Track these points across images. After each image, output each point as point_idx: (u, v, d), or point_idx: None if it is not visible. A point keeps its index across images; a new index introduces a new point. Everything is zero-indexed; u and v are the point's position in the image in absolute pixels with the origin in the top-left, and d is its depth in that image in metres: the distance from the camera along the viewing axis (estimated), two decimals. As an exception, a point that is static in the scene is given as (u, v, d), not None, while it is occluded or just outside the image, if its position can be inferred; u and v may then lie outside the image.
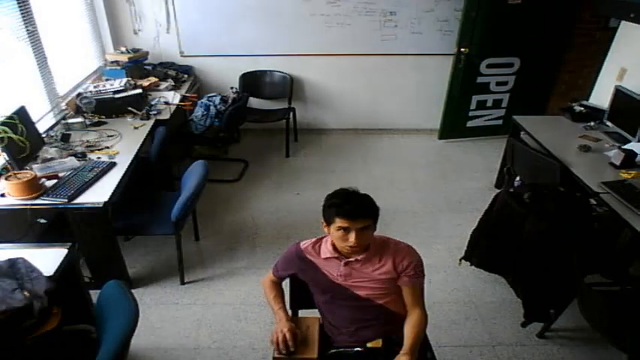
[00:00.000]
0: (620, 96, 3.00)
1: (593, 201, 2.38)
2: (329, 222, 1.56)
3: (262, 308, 2.49)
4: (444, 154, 4.32)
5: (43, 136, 2.72)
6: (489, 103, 4.43)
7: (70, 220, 2.22)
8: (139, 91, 3.30)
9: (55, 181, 2.31)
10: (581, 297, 2.04)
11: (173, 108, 3.35)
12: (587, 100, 3.56)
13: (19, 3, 2.77)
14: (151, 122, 3.10)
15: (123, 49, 3.84)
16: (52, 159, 2.54)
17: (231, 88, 3.80)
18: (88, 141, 2.79)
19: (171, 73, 3.98)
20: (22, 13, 2.80)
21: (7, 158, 2.30)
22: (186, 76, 4.05)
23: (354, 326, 1.61)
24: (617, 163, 2.60)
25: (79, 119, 3.01)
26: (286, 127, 4.12)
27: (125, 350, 1.37)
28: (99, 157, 2.59)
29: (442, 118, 4.45)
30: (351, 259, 1.60)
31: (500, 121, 4.52)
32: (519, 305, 2.37)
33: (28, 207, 2.15)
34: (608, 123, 3.14)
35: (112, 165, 2.50)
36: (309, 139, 4.51)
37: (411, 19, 4.08)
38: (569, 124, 3.24)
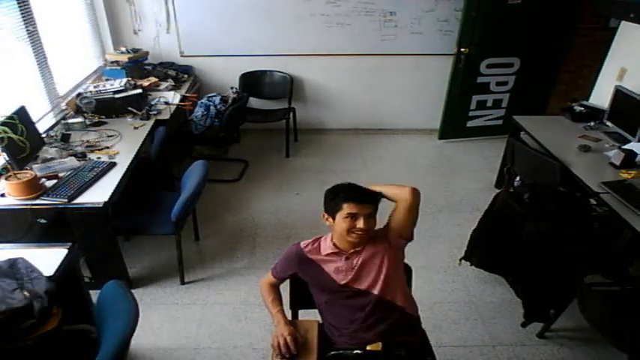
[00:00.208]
0: (620, 96, 3.00)
1: (593, 201, 2.38)
2: (335, 212, 1.59)
3: (262, 308, 2.47)
4: (444, 154, 4.32)
5: (43, 136, 2.72)
6: (489, 103, 4.43)
7: (70, 220, 2.22)
8: (139, 91, 3.30)
9: (55, 181, 2.31)
10: (581, 297, 2.04)
11: (173, 108, 3.35)
12: (587, 100, 3.56)
13: (19, 3, 2.77)
14: (151, 122, 3.10)
15: (123, 49, 3.84)
16: (52, 159, 2.54)
17: (231, 88, 3.80)
18: (88, 141, 2.79)
19: (171, 73, 3.99)
20: (22, 13, 2.80)
21: (7, 158, 2.30)
22: (186, 76, 4.05)
23: (355, 326, 1.61)
24: (617, 163, 2.60)
25: (79, 119, 3.02)
26: (286, 127, 4.12)
27: (125, 350, 1.37)
28: (99, 157, 2.59)
29: (442, 118, 4.45)
30: (352, 251, 1.62)
31: (500, 121, 4.52)
32: (519, 305, 2.37)
33: (28, 207, 2.15)
34: (608, 123, 3.14)
35: (112, 165, 2.50)
36: (309, 139, 4.51)
37: (411, 19, 4.08)
38: (569, 124, 3.24)
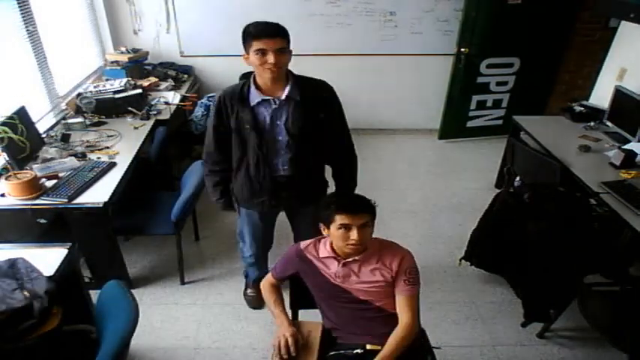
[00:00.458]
0: (620, 96, 2.99)
1: (593, 201, 2.38)
2: (329, 222, 1.56)
3: (262, 308, 2.49)
4: (444, 154, 4.32)
5: (43, 136, 2.72)
6: (489, 103, 4.43)
7: (70, 220, 2.22)
8: (139, 91, 3.30)
9: (55, 181, 2.31)
10: (581, 297, 2.04)
11: (173, 108, 3.35)
12: (587, 100, 3.56)
13: (18, 3, 2.77)
14: (151, 122, 3.10)
15: (123, 49, 3.84)
16: (52, 159, 2.53)
17: (231, 88, 3.80)
18: (88, 141, 2.79)
19: (171, 73, 3.99)
20: (22, 13, 2.80)
21: (7, 158, 2.30)
22: (186, 76, 4.05)
23: (354, 327, 1.61)
24: (617, 163, 2.60)
25: (79, 119, 3.01)
26: (286, 127, 4.11)
27: (125, 350, 1.37)
28: (99, 157, 2.59)
29: (442, 118, 4.45)
30: (349, 259, 1.60)
31: (500, 121, 4.51)
32: (519, 305, 2.37)
33: (28, 207, 2.15)
34: (608, 123, 3.14)
35: (112, 165, 2.50)
36: (309, 139, 4.50)
37: (411, 19, 4.08)
38: (569, 124, 3.24)
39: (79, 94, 3.22)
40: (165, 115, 3.23)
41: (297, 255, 1.69)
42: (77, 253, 1.92)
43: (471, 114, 4.45)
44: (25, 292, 1.51)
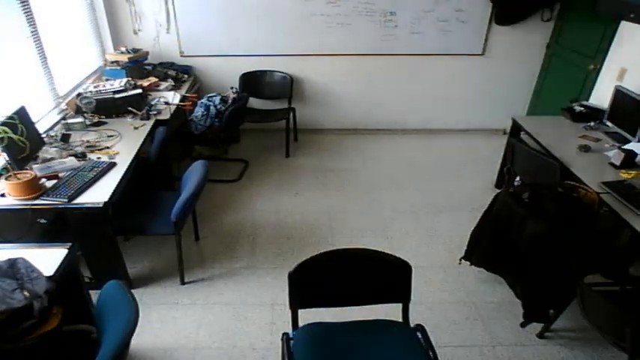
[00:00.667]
0: (620, 96, 3.00)
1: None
2: None
3: (262, 308, 2.49)
4: (444, 154, 4.32)
5: (43, 136, 2.72)
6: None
7: (70, 220, 2.22)
8: (139, 91, 3.30)
9: (55, 181, 2.31)
10: (581, 297, 2.04)
11: (173, 108, 3.35)
12: (587, 100, 3.56)
13: (20, 3, 2.77)
14: (151, 122, 3.10)
15: (123, 49, 3.84)
16: (52, 159, 2.54)
17: (231, 88, 3.80)
18: (88, 141, 2.79)
19: (171, 73, 3.99)
20: (23, 13, 2.80)
21: (7, 158, 2.30)
22: (186, 76, 4.05)
23: None
24: (617, 163, 2.61)
25: (79, 119, 3.02)
26: (286, 127, 4.12)
27: (125, 350, 1.37)
28: (99, 157, 2.59)
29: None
30: None
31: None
32: (519, 305, 2.37)
33: (28, 207, 2.15)
34: (608, 123, 3.14)
35: (112, 165, 2.50)
36: (309, 139, 4.51)
37: (411, 19, 4.08)
38: (569, 124, 3.24)
39: (79, 94, 3.22)
40: (165, 115, 3.23)
41: None
42: (77, 253, 1.92)
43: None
44: (25, 292, 1.51)
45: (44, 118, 2.95)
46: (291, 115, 4.25)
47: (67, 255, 1.79)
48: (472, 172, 3.96)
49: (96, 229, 2.29)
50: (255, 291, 2.61)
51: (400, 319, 1.86)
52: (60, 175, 2.37)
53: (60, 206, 2.17)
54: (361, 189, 3.64)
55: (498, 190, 3.08)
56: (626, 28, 3.24)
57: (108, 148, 2.72)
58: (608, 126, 3.15)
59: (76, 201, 2.19)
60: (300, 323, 1.82)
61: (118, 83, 3.30)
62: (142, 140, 2.84)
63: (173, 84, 3.84)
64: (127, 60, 3.73)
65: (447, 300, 2.57)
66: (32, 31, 2.90)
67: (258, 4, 3.95)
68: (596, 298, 1.93)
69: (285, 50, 4.15)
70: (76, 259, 1.91)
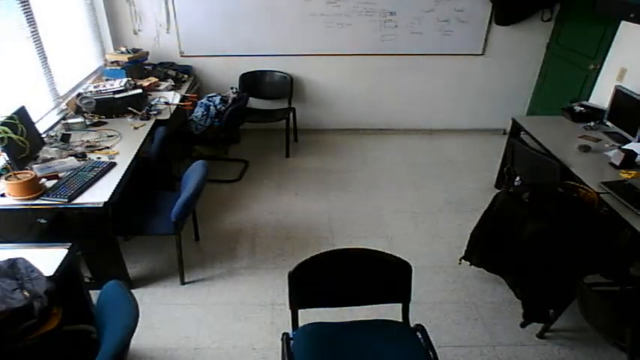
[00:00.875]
0: (620, 96, 3.00)
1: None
2: None
3: (262, 308, 2.49)
4: (444, 154, 4.32)
5: (43, 136, 2.72)
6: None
7: (70, 220, 2.22)
8: (139, 91, 3.30)
9: (55, 181, 2.31)
10: (581, 297, 2.04)
11: (173, 108, 3.35)
12: (587, 100, 3.56)
13: (20, 3, 2.77)
14: (151, 122, 3.10)
15: (123, 49, 3.84)
16: (52, 159, 2.54)
17: (231, 88, 3.80)
18: (88, 141, 2.79)
19: (171, 73, 3.99)
20: (24, 13, 2.80)
21: (7, 158, 2.31)
22: (186, 76, 4.05)
23: None
24: (617, 163, 2.61)
25: (79, 119, 3.02)
26: (286, 127, 4.12)
27: (125, 350, 1.37)
28: (99, 157, 2.60)
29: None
30: None
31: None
32: (519, 305, 2.37)
33: (28, 207, 2.15)
34: (608, 123, 3.14)
35: (112, 165, 2.50)
36: (309, 139, 4.51)
37: (411, 19, 4.08)
38: (569, 124, 3.24)
39: (79, 94, 3.22)
40: (165, 115, 3.23)
41: None
42: (77, 253, 1.92)
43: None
44: (25, 292, 1.51)
45: (44, 118, 2.95)
46: (291, 115, 4.24)
47: (67, 255, 1.79)
48: (472, 172, 3.96)
49: (96, 229, 2.29)
50: (255, 291, 2.61)
51: (400, 319, 1.86)
52: (60, 175, 2.37)
53: (60, 206, 2.17)
54: (361, 189, 3.64)
55: (498, 190, 3.09)
56: (626, 28, 3.24)
57: (108, 148, 2.73)
58: (608, 126, 3.15)
59: (76, 201, 2.19)
60: (300, 323, 1.82)
61: (118, 83, 3.31)
62: (142, 140, 2.84)
63: (173, 84, 3.84)
64: (127, 60, 3.73)
65: (447, 300, 2.57)
66: (32, 31, 2.90)
67: (259, 4, 3.95)
68: (596, 298, 1.93)
69: (285, 50, 4.15)
70: (76, 259, 1.91)
